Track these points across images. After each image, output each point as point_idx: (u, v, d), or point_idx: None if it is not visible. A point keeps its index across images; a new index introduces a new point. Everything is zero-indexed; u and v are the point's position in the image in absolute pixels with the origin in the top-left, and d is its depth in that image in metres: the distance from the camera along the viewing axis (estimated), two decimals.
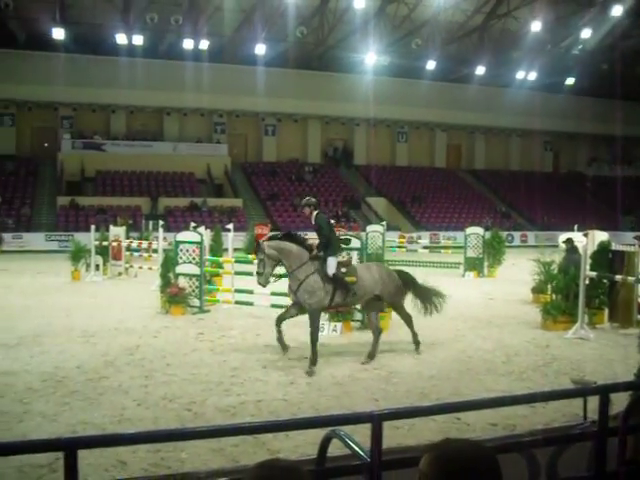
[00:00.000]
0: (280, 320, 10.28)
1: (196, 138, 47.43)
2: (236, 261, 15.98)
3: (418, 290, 11.39)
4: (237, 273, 15.39)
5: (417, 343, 11.00)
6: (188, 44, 41.24)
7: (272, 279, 10.21)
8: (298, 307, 10.31)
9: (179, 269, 15.12)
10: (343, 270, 10.34)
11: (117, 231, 22.84)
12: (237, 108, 47.34)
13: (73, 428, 7.04)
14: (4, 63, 40.38)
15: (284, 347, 10.25)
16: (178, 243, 15.36)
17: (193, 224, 18.27)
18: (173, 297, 14.66)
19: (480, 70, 47.62)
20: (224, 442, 6.25)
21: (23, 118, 44.86)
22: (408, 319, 11.11)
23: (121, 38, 40.04)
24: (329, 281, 10.12)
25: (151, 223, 32.17)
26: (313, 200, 10.73)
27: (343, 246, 11.86)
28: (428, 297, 11.37)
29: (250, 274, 15.39)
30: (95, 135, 44.84)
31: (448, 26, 43.93)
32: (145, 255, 23.23)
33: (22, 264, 26.99)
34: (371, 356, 10.35)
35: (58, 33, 38.61)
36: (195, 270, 14.99)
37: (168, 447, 6.13)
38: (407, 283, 11.26)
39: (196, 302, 14.89)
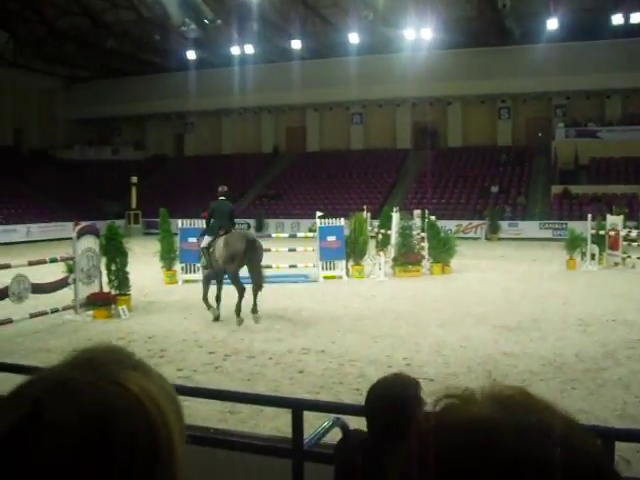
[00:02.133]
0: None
1: None
2: None
3: (252, 266, 12.10)
4: None
5: (239, 312, 11.98)
6: None
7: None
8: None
9: None
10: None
11: (614, 220, 22.16)
12: None
13: (574, 416, 7.06)
14: (496, 59, 42.32)
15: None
16: None
17: None
18: None
19: None
20: None
21: (518, 110, 46.52)
22: (240, 291, 11.98)
23: (617, 19, 38.50)
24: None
25: None
26: (219, 189, 13.27)
27: None
28: (258, 275, 12.10)
29: None
30: (589, 122, 44.09)
31: None
32: None
33: (518, 251, 28.00)
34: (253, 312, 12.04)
35: (552, 23, 38.93)
36: None
37: None
38: (249, 255, 11.92)
39: None
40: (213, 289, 12.88)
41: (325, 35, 43.02)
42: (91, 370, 0.78)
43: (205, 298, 12.73)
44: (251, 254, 11.97)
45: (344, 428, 2.81)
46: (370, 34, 40.37)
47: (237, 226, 14.43)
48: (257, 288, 12.02)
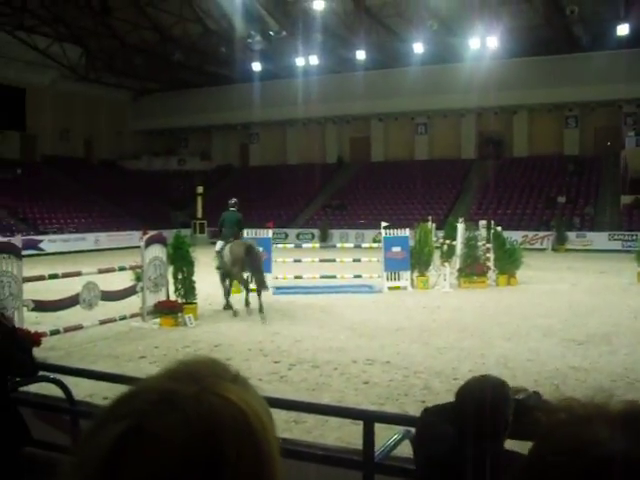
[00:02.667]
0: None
1: None
2: None
3: (252, 269, 14.24)
4: None
5: (261, 308, 13.71)
6: None
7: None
8: None
9: None
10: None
11: None
12: None
13: None
14: (563, 66, 41.48)
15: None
16: None
17: None
18: None
19: None
20: None
21: (586, 118, 45.48)
22: (246, 288, 14.66)
23: None
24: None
25: None
26: (230, 201, 15.56)
27: None
28: (258, 277, 14.22)
29: None
30: None
31: None
32: None
33: (586, 263, 27.34)
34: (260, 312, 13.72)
35: (622, 29, 38.02)
36: None
37: None
38: (248, 260, 13.97)
39: None
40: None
41: (389, 45, 42.98)
42: (192, 382, 0.77)
43: (225, 294, 15.19)
44: (249, 259, 14.01)
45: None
46: (434, 43, 40.16)
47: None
48: (259, 290, 14.08)
